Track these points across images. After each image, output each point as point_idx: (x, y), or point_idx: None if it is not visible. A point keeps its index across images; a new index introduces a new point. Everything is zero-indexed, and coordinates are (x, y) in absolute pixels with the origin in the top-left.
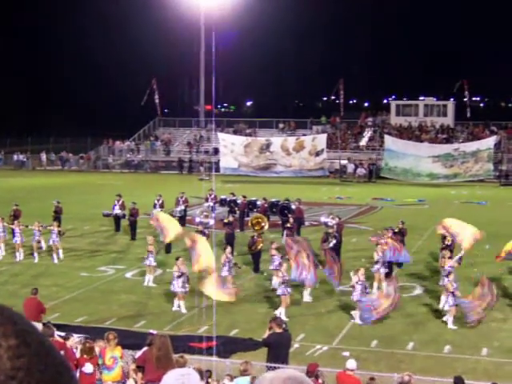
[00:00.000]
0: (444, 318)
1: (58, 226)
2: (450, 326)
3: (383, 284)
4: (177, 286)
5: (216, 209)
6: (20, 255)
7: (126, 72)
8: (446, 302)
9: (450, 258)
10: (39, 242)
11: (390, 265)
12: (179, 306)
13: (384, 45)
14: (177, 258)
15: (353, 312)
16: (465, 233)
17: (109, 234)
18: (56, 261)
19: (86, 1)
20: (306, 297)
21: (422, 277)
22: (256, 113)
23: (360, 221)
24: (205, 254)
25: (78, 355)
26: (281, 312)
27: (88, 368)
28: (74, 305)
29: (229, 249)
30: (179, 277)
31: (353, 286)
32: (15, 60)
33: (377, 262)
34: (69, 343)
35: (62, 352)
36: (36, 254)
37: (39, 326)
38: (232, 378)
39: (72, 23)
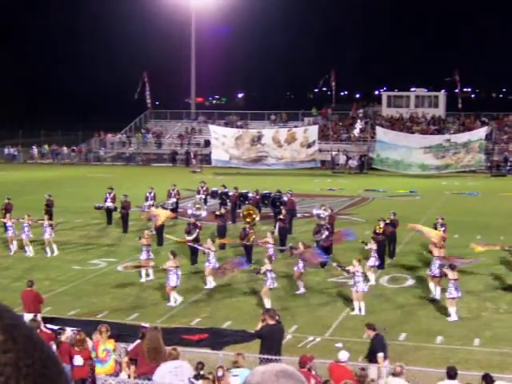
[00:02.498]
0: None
1: (49, 220)
2: (454, 317)
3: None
4: (173, 280)
5: (208, 201)
6: (14, 248)
7: (116, 65)
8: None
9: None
10: (28, 235)
11: (382, 256)
12: (175, 300)
13: (375, 36)
14: (171, 252)
15: (355, 303)
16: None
17: (101, 227)
18: (49, 254)
19: None
20: (301, 289)
21: (414, 268)
22: (247, 105)
23: (352, 212)
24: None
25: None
26: (266, 303)
27: (78, 360)
28: (66, 298)
29: (209, 241)
30: (175, 270)
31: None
32: (6, 55)
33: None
34: (63, 337)
35: (53, 345)
36: (29, 248)
37: (35, 317)
38: (224, 370)
39: (62, 18)
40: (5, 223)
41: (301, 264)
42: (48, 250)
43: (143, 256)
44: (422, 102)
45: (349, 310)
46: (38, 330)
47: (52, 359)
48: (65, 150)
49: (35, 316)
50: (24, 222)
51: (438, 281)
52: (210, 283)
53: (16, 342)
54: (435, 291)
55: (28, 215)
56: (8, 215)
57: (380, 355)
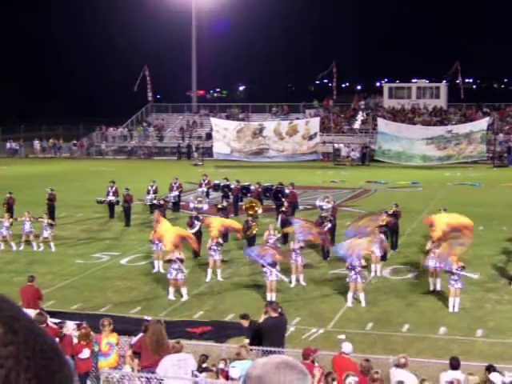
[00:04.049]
0: (451, 303)
1: (49, 218)
2: (457, 309)
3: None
4: (175, 273)
5: (210, 194)
6: (13, 246)
7: (117, 58)
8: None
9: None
10: (31, 232)
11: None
12: (178, 293)
13: (376, 27)
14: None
15: (349, 295)
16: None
17: (103, 221)
18: (53, 249)
19: None
20: (301, 281)
21: (416, 259)
22: (249, 97)
23: (354, 204)
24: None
25: (75, 341)
26: (271, 297)
27: (85, 353)
28: (69, 292)
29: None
30: (177, 264)
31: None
32: (7, 48)
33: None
34: (64, 330)
35: (57, 339)
36: (34, 243)
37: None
38: (227, 362)
39: (64, 11)
40: (3, 222)
41: (297, 256)
42: (52, 244)
43: (155, 248)
44: (424, 93)
45: (351, 302)
46: (45, 325)
47: (54, 351)
48: (69, 144)
49: (42, 309)
50: (24, 218)
51: (433, 273)
52: (219, 275)
53: (16, 334)
54: (432, 284)
55: (28, 212)
56: (6, 215)
57: (246, 341)
